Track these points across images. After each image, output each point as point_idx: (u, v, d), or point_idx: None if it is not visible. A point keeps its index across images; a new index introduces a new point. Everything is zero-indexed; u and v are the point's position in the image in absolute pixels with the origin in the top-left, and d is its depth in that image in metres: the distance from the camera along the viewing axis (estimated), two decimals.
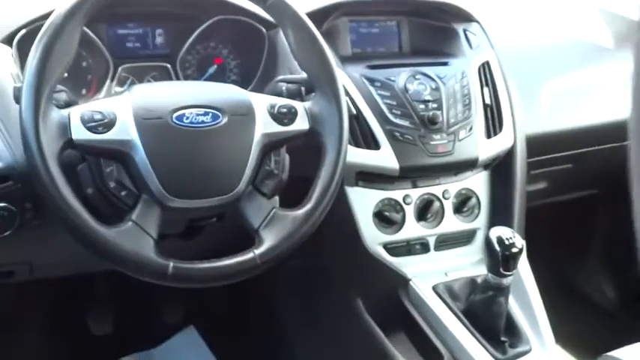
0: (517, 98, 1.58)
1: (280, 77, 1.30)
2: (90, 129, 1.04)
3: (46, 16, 1.07)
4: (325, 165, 1.16)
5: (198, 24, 1.45)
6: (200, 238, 1.31)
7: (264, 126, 1.13)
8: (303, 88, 1.25)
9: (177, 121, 1.08)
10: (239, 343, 1.99)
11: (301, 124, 1.16)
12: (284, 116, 1.15)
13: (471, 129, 1.46)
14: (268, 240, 1.10)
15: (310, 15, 1.21)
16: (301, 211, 1.13)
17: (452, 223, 1.51)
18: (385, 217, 1.45)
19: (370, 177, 1.43)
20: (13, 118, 1.07)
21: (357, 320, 1.50)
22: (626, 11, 1.99)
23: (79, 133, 1.03)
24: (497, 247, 1.25)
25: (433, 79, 1.47)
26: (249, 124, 1.12)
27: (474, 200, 1.54)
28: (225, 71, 1.52)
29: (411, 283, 1.45)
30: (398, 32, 1.63)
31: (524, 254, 1.39)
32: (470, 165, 1.49)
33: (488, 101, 1.52)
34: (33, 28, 1.22)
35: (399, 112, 1.42)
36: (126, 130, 1.06)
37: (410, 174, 1.44)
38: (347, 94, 1.31)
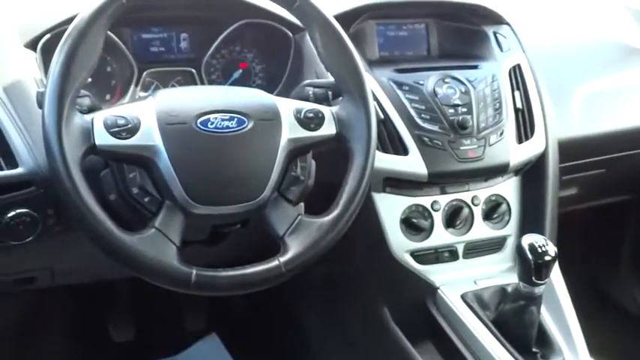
0: (549, 102, 1.56)
1: (307, 81, 1.29)
2: (113, 134, 1.03)
3: (70, 21, 1.06)
4: (353, 170, 1.14)
5: (224, 28, 1.44)
6: (223, 245, 1.30)
7: (290, 131, 1.12)
8: (330, 93, 1.24)
9: (201, 127, 1.07)
10: (261, 351, 1.99)
11: (328, 128, 1.15)
12: (311, 121, 1.14)
13: (502, 133, 1.45)
14: (294, 248, 1.09)
15: (337, 18, 1.19)
16: (327, 218, 1.12)
17: (481, 230, 1.49)
18: (413, 224, 1.44)
19: (398, 183, 1.42)
20: (36, 123, 1.07)
21: (383, 329, 1.48)
22: None
23: (102, 138, 1.02)
24: (529, 255, 1.23)
25: (463, 83, 1.46)
26: (275, 129, 1.11)
27: (504, 206, 1.52)
28: (251, 76, 1.51)
29: (439, 291, 1.44)
30: (426, 35, 1.61)
31: (556, 262, 1.36)
32: (501, 170, 1.47)
33: (519, 105, 1.50)
34: (57, 32, 1.22)
35: (427, 117, 1.41)
36: (149, 136, 1.05)
37: (438, 180, 1.43)
38: (375, 98, 1.30)
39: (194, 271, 1.02)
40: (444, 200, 1.46)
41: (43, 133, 1.00)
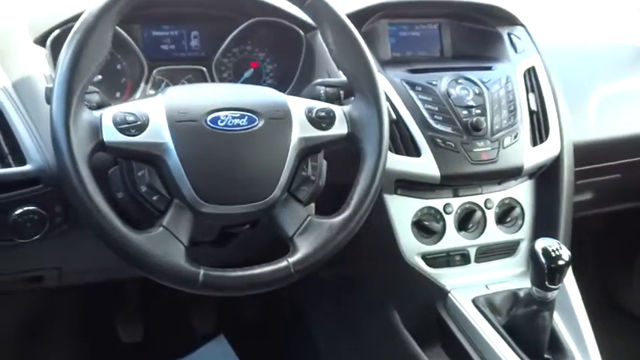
0: (564, 104, 1.56)
1: (318, 80, 1.28)
2: (122, 131, 1.02)
3: (79, 16, 1.05)
4: (364, 171, 1.13)
5: (235, 26, 1.44)
6: (232, 246, 1.29)
7: (301, 130, 1.11)
8: (342, 92, 1.23)
9: (211, 124, 1.06)
10: (270, 353, 1.99)
11: (340, 128, 1.14)
12: (322, 120, 1.13)
13: (516, 136, 1.44)
14: (303, 248, 1.08)
15: (349, 16, 1.19)
16: (338, 219, 1.11)
17: (494, 234, 1.49)
18: (424, 227, 1.43)
19: (410, 185, 1.41)
20: (44, 119, 1.07)
21: (393, 332, 1.47)
22: None
23: (111, 135, 1.02)
24: (542, 260, 1.22)
25: (476, 84, 1.45)
26: (285, 128, 1.10)
27: (517, 210, 1.51)
28: (262, 75, 1.50)
29: (450, 295, 1.43)
30: (439, 36, 1.61)
31: (570, 267, 1.35)
32: (514, 173, 1.46)
33: (534, 107, 1.50)
34: (67, 28, 1.22)
35: (440, 118, 1.40)
36: (159, 133, 1.04)
37: (451, 182, 1.42)
38: (387, 98, 1.28)
39: (201, 271, 1.01)
40: (457, 203, 1.46)
41: (51, 128, 0.99)
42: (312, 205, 1.16)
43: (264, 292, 1.08)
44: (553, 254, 1.21)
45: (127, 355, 1.99)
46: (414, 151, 1.38)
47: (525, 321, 1.31)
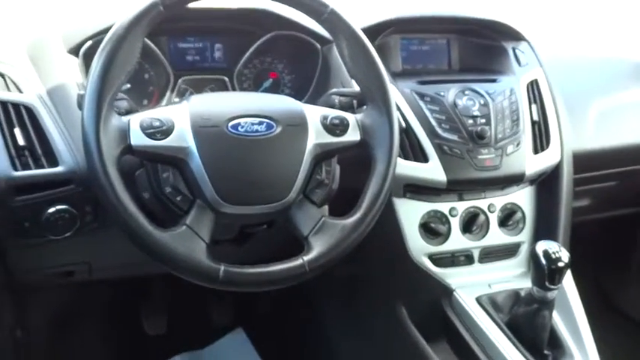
0: (564, 115, 1.54)
1: (333, 90, 1.28)
2: (148, 135, 1.02)
3: (110, 28, 1.05)
4: (375, 175, 1.12)
5: (255, 39, 1.43)
6: (250, 244, 1.29)
7: (316, 136, 1.10)
8: (355, 101, 1.23)
9: (232, 130, 1.06)
10: (285, 345, 1.98)
11: (353, 135, 1.13)
12: (336, 127, 1.12)
13: (518, 144, 1.43)
14: (317, 247, 1.07)
15: (363, 30, 1.18)
16: (350, 220, 1.10)
17: (496, 236, 1.48)
18: (431, 229, 1.43)
19: (418, 189, 1.40)
20: (76, 124, 1.06)
21: (400, 327, 1.46)
22: None
23: (138, 139, 1.02)
24: (543, 261, 1.21)
25: (482, 95, 1.44)
26: (301, 134, 1.10)
27: (519, 214, 1.50)
28: (280, 85, 1.50)
29: (454, 293, 1.42)
30: (448, 50, 1.60)
31: (569, 269, 1.34)
32: (516, 180, 1.45)
33: (536, 118, 1.48)
34: (98, 39, 1.21)
35: (447, 127, 1.39)
36: (183, 138, 1.04)
37: (457, 187, 1.41)
38: (398, 108, 1.28)
39: (222, 267, 1.01)
40: (462, 207, 1.45)
41: (82, 132, 0.99)
42: (326, 206, 1.15)
43: (279, 288, 1.07)
44: (553, 256, 1.21)
45: (151, 346, 1.99)
46: (422, 157, 1.37)
47: (526, 319, 1.30)
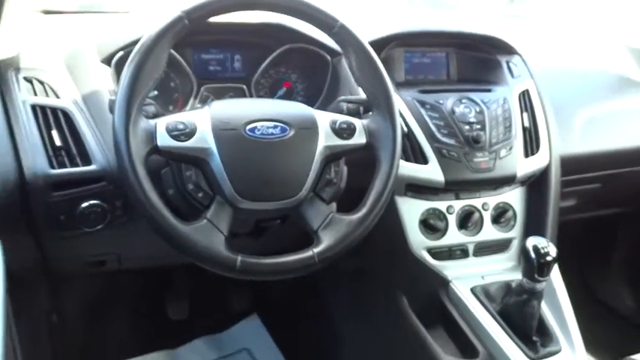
0: (553, 122, 1.53)
1: (342, 97, 1.27)
2: (173, 137, 1.02)
3: (139, 41, 1.05)
4: (379, 175, 1.12)
5: (271, 51, 1.43)
6: (265, 238, 1.28)
7: (326, 139, 1.10)
8: (361, 108, 1.22)
9: (249, 133, 1.06)
10: (295, 329, 1.98)
11: (359, 138, 1.13)
12: (344, 131, 1.12)
13: (510, 148, 1.42)
14: (326, 240, 1.07)
15: (370, 44, 1.17)
16: (356, 216, 1.09)
17: (490, 232, 1.47)
18: (430, 225, 1.42)
19: (418, 188, 1.39)
20: (107, 127, 1.07)
21: (401, 315, 1.45)
22: None
23: (164, 140, 1.02)
24: (533, 255, 1.21)
25: (477, 104, 1.44)
26: (312, 137, 1.09)
27: (510, 212, 1.49)
28: (293, 93, 1.49)
29: (451, 284, 1.41)
30: (446, 62, 1.59)
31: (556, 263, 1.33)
32: (508, 181, 1.44)
33: (527, 124, 1.48)
34: (129, 50, 1.22)
35: (446, 132, 1.39)
36: (204, 139, 1.04)
37: (454, 187, 1.40)
38: (400, 114, 1.28)
39: (239, 258, 1.01)
40: (458, 205, 1.44)
41: (113, 134, 0.99)
42: (334, 203, 1.14)
43: (291, 278, 1.07)
44: (542, 251, 1.20)
45: (175, 330, 1.99)
46: (422, 159, 1.36)
47: (517, 308, 1.30)
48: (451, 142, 1.38)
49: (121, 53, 1.26)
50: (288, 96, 1.48)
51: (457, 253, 1.44)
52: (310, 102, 1.42)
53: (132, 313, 1.96)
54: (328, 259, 1.06)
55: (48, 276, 1.46)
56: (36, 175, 1.11)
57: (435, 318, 1.43)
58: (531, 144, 1.47)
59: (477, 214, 1.45)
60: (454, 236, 1.43)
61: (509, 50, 1.58)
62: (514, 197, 1.49)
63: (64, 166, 1.13)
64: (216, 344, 1.98)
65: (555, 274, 1.42)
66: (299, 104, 1.17)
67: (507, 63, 1.56)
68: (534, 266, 1.20)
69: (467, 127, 1.40)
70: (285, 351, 1.96)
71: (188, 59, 1.38)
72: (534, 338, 1.29)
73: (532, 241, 1.22)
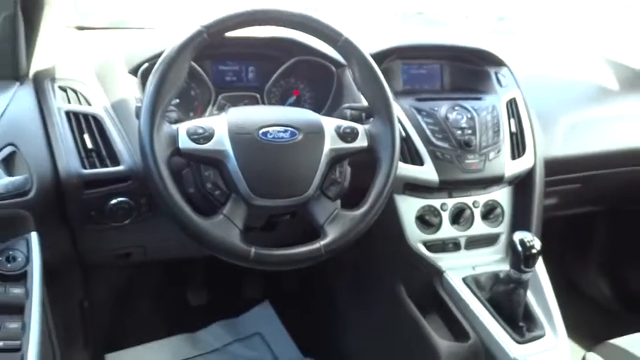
0: (538, 128, 1.53)
1: (345, 105, 1.28)
2: (193, 140, 1.02)
3: (163, 53, 1.05)
4: (380, 175, 1.11)
5: (282, 63, 1.42)
6: (276, 231, 1.28)
7: (331, 142, 1.10)
8: (363, 114, 1.22)
9: (262, 137, 1.06)
10: (303, 315, 1.98)
11: (361, 142, 1.12)
12: (347, 135, 1.12)
13: (499, 151, 1.41)
14: (331, 234, 1.07)
15: (371, 56, 1.17)
16: (359, 212, 1.09)
17: (480, 228, 1.46)
18: (425, 220, 1.41)
19: (415, 187, 1.39)
20: (134, 131, 1.07)
21: (399, 302, 1.45)
22: (628, 60, 1.91)
23: (185, 143, 1.02)
24: (519, 248, 1.21)
25: (469, 111, 1.43)
26: (319, 140, 1.09)
27: (499, 210, 1.48)
28: (302, 101, 1.49)
29: (444, 274, 1.40)
30: (441, 73, 1.58)
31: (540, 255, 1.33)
32: (497, 181, 1.44)
33: (513, 130, 1.47)
34: (153, 62, 1.21)
35: (440, 136, 1.38)
36: (221, 142, 1.04)
37: (447, 186, 1.40)
38: (399, 120, 1.27)
39: (253, 249, 1.01)
40: (451, 202, 1.43)
41: (139, 138, 1.00)
42: (339, 200, 1.14)
43: (299, 268, 1.07)
44: (528, 244, 1.20)
45: (194, 315, 1.99)
46: (418, 161, 1.36)
47: (504, 296, 1.29)
48: (445, 145, 1.37)
49: (146, 65, 1.26)
50: (297, 103, 1.48)
51: (450, 246, 1.43)
52: (317, 109, 1.41)
53: (155, 300, 1.96)
54: (333, 251, 1.06)
55: (80, 267, 1.46)
56: (70, 175, 1.11)
57: (430, 305, 1.42)
58: (518, 147, 1.46)
59: (468, 211, 1.44)
60: (447, 231, 1.43)
61: (497, 62, 1.57)
62: (502, 196, 1.48)
63: (95, 167, 1.13)
64: (232, 328, 1.98)
65: (540, 265, 1.41)
66: (307, 111, 1.17)
67: (496, 74, 1.55)
68: (521, 258, 1.20)
69: (459, 131, 1.39)
70: (294, 335, 1.96)
71: (207, 70, 1.38)
72: (520, 324, 1.29)
73: (518, 236, 1.22)
